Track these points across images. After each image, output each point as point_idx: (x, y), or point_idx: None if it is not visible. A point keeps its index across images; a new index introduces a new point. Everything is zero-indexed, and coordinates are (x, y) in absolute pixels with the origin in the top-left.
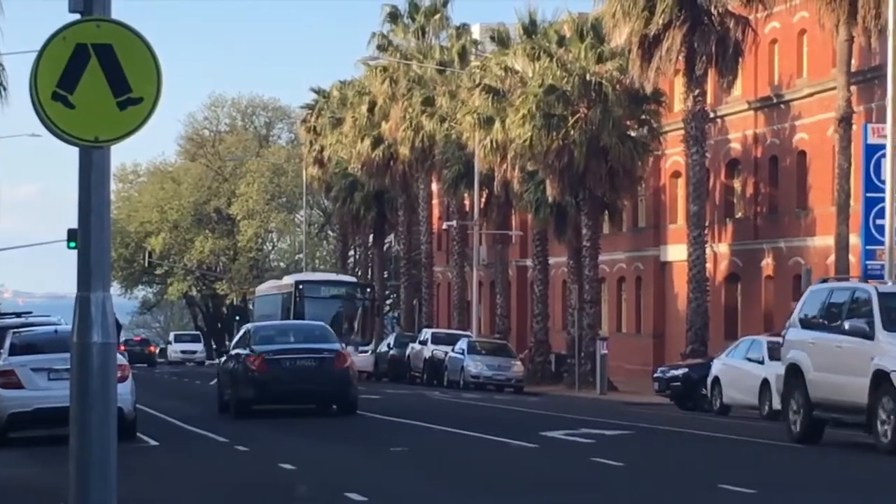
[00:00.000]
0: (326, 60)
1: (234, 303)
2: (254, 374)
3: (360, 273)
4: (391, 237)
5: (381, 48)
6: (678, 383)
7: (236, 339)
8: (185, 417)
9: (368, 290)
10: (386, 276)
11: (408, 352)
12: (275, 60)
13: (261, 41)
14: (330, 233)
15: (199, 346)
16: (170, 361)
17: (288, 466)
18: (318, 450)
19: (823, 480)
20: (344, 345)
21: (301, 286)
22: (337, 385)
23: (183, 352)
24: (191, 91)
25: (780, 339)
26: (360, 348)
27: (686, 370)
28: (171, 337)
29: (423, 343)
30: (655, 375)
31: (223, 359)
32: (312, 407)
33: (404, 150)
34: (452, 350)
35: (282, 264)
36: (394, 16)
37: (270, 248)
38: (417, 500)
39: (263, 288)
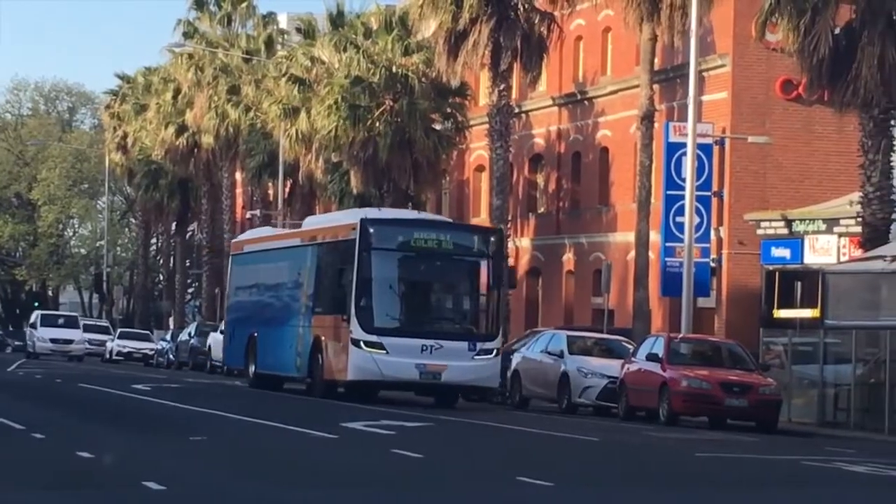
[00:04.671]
0: (132, 46)
1: (34, 289)
2: None
3: (160, 262)
4: (194, 225)
5: (186, 35)
6: None
7: None
8: None
9: (492, 238)
10: (188, 264)
11: (209, 341)
12: (79, 45)
13: (65, 25)
14: (132, 220)
15: (76, 334)
16: (31, 353)
17: (85, 455)
18: (117, 438)
19: (618, 473)
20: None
21: (371, 230)
22: None
23: (54, 340)
24: None
25: (581, 334)
26: (480, 346)
27: None
28: (35, 318)
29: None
30: None
31: None
32: (97, 397)
33: (209, 139)
34: None
35: (83, 251)
36: (200, 3)
37: (71, 234)
38: (216, 488)
39: (262, 238)
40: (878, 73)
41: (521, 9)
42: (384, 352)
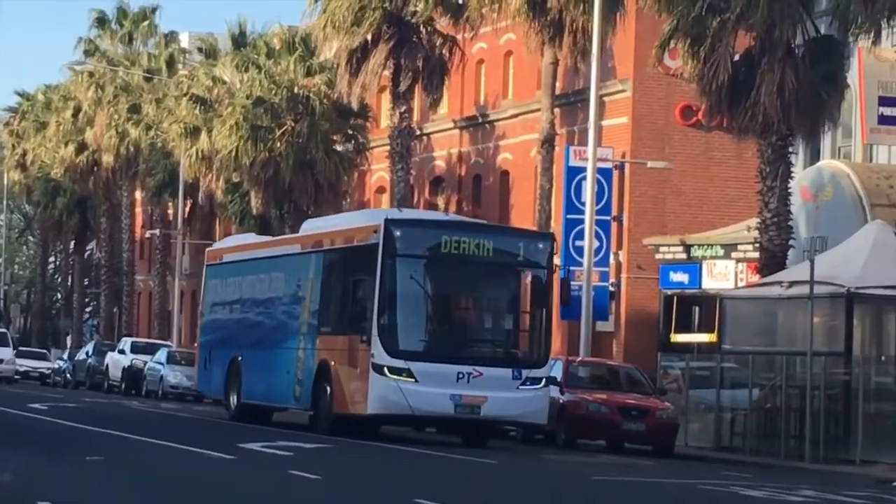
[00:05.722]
0: (32, 64)
1: None
2: None
3: (59, 280)
4: (93, 244)
5: (87, 53)
6: None
7: None
8: None
9: (541, 245)
10: (86, 283)
11: (106, 360)
12: None
13: None
14: (31, 238)
15: (6, 353)
16: None
17: None
18: (12, 457)
19: (516, 495)
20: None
21: (398, 233)
22: None
23: None
24: None
25: None
26: (526, 375)
27: None
28: None
29: (123, 352)
30: None
31: None
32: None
33: (109, 157)
34: (152, 360)
35: None
36: (101, 21)
37: None
38: None
39: (247, 246)
40: (776, 99)
41: (423, 31)
42: (413, 380)
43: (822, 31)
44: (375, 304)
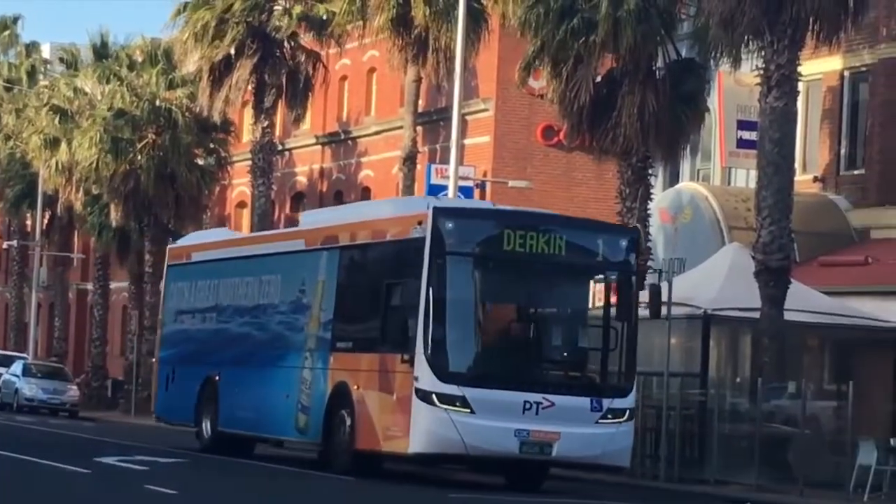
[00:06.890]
0: None
1: None
2: None
3: None
4: None
5: None
6: None
7: None
8: None
9: (624, 243)
10: None
11: None
12: None
13: None
14: None
15: None
16: None
17: None
18: None
19: None
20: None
21: (450, 226)
22: None
23: None
24: None
25: None
26: (607, 405)
27: None
28: None
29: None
30: None
31: None
32: None
33: None
34: (7, 372)
35: None
36: None
37: None
38: None
39: (224, 242)
40: (637, 121)
41: (287, 46)
42: (468, 411)
43: (684, 54)
44: (421, 314)
